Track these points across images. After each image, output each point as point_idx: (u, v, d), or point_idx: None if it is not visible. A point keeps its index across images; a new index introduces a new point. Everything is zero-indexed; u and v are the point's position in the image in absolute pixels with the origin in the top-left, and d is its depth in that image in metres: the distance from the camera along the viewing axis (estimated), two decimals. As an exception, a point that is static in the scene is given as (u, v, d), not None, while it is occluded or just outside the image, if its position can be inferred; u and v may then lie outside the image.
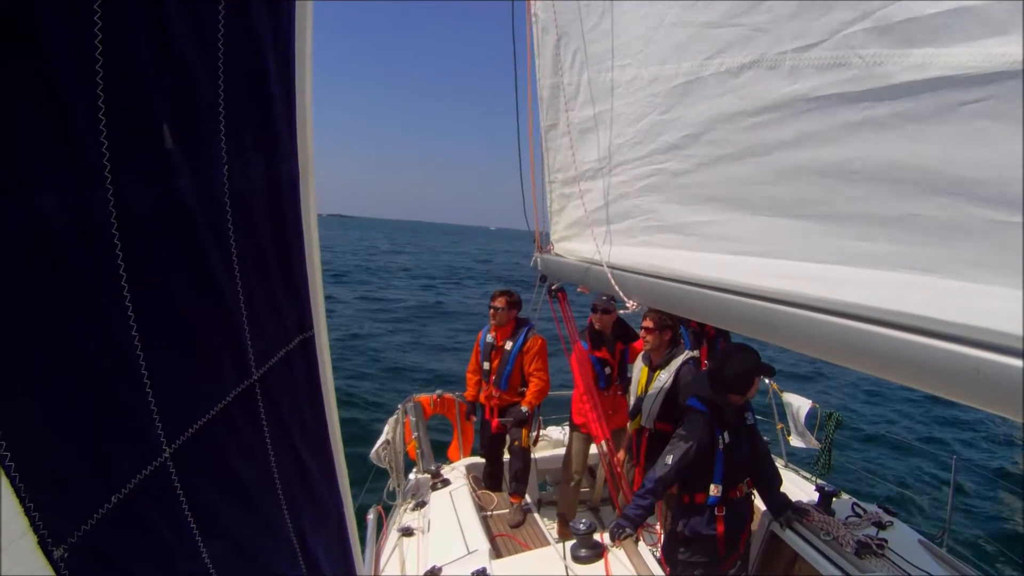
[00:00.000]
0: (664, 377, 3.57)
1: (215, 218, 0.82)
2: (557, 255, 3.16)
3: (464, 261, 52.90)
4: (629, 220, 2.38)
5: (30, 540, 0.59)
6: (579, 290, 3.54)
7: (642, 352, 3.80)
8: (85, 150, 0.62)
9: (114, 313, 0.67)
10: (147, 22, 0.67)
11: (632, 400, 3.80)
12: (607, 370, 4.13)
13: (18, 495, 0.57)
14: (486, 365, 4.23)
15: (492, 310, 4.15)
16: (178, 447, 0.76)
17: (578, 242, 2.94)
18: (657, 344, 3.61)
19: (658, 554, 3.16)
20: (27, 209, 0.57)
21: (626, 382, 4.19)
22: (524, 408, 4.11)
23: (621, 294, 2.32)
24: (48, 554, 0.61)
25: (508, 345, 4.15)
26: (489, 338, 4.24)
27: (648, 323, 3.57)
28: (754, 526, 3.34)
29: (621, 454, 3.94)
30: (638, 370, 3.77)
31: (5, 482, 0.56)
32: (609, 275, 2.35)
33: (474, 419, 4.56)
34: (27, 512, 0.58)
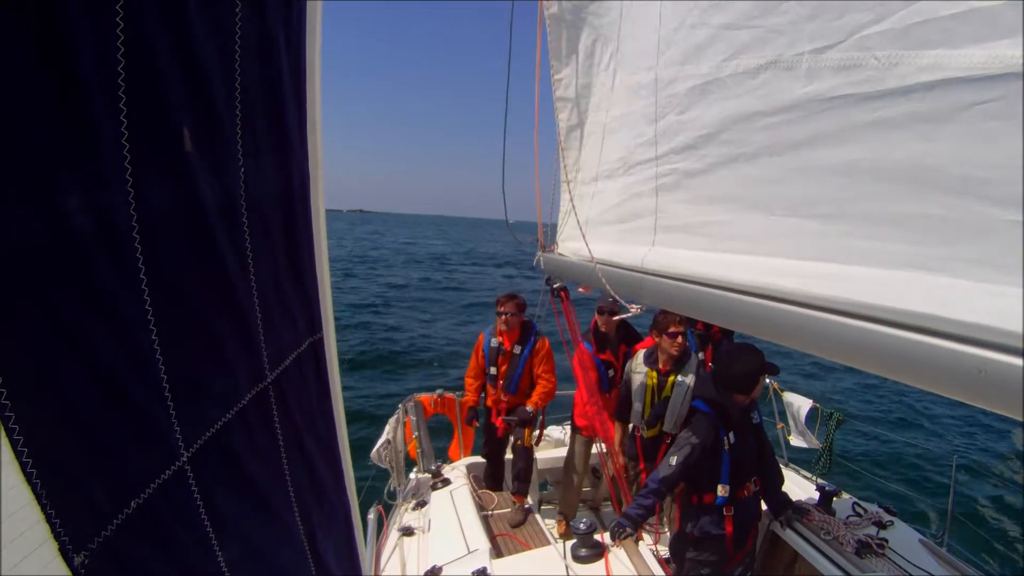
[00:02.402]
0: (685, 380, 3.47)
1: (232, 220, 0.82)
2: (560, 254, 3.15)
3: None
4: (640, 220, 2.38)
5: (51, 547, 0.59)
6: (580, 290, 3.51)
7: (643, 357, 3.66)
8: (106, 153, 0.61)
9: (134, 317, 0.66)
10: (167, 25, 0.66)
11: (638, 406, 3.66)
12: (611, 372, 4.07)
13: (39, 502, 0.57)
14: (492, 370, 4.19)
15: (502, 315, 4.07)
16: (195, 451, 0.75)
17: (587, 241, 2.93)
18: (685, 348, 3.49)
19: (659, 553, 3.17)
20: (48, 211, 0.57)
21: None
22: (529, 408, 4.11)
23: (626, 294, 2.31)
24: (68, 561, 0.60)
25: (517, 349, 4.11)
26: (494, 342, 4.19)
27: (680, 327, 3.42)
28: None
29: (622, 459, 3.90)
30: (642, 376, 3.62)
31: (27, 489, 0.56)
32: (626, 275, 2.34)
33: (476, 424, 4.54)
34: (48, 520, 0.58)
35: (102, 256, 0.62)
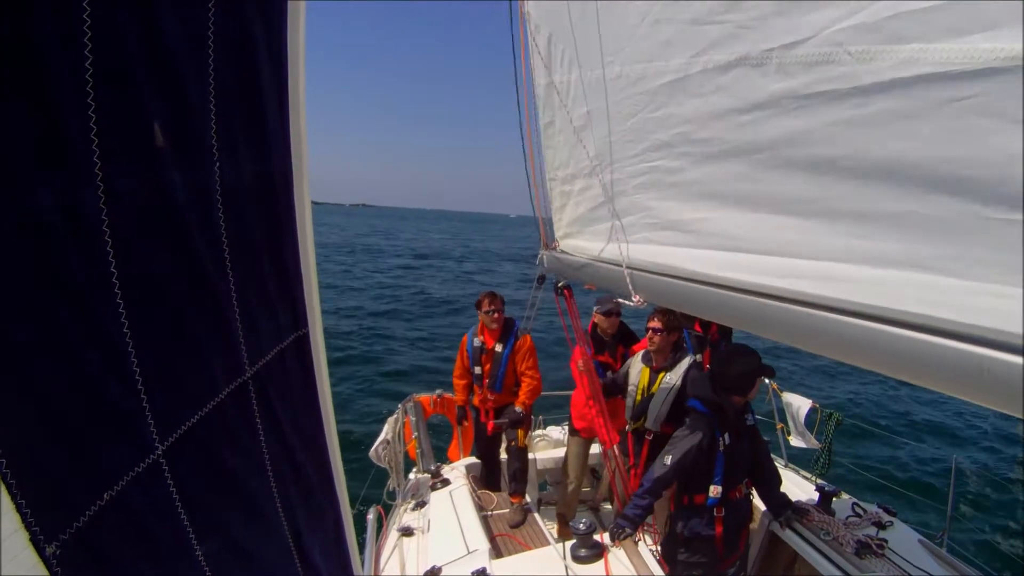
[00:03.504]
0: (671, 379, 3.51)
1: (206, 215, 0.82)
2: (563, 252, 3.14)
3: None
4: (629, 217, 2.38)
5: (22, 537, 0.59)
6: (586, 287, 3.50)
7: (641, 353, 3.73)
8: (76, 147, 0.62)
9: (106, 311, 0.67)
10: (137, 19, 0.67)
11: (631, 402, 3.73)
12: (609, 374, 4.07)
13: (10, 492, 0.57)
14: (477, 369, 4.20)
15: (492, 314, 4.08)
16: (171, 444, 0.76)
17: (583, 239, 2.92)
18: (663, 345, 3.53)
19: (658, 554, 3.16)
20: (18, 207, 0.57)
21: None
22: (519, 408, 4.11)
23: (632, 290, 2.30)
24: (40, 551, 0.61)
25: (499, 348, 4.12)
26: (477, 342, 4.20)
27: (656, 323, 3.48)
28: (754, 526, 3.34)
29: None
30: (637, 371, 3.69)
31: None
32: (625, 273, 2.33)
33: (467, 423, 4.55)
34: (19, 509, 0.58)
35: (72, 251, 0.62)
